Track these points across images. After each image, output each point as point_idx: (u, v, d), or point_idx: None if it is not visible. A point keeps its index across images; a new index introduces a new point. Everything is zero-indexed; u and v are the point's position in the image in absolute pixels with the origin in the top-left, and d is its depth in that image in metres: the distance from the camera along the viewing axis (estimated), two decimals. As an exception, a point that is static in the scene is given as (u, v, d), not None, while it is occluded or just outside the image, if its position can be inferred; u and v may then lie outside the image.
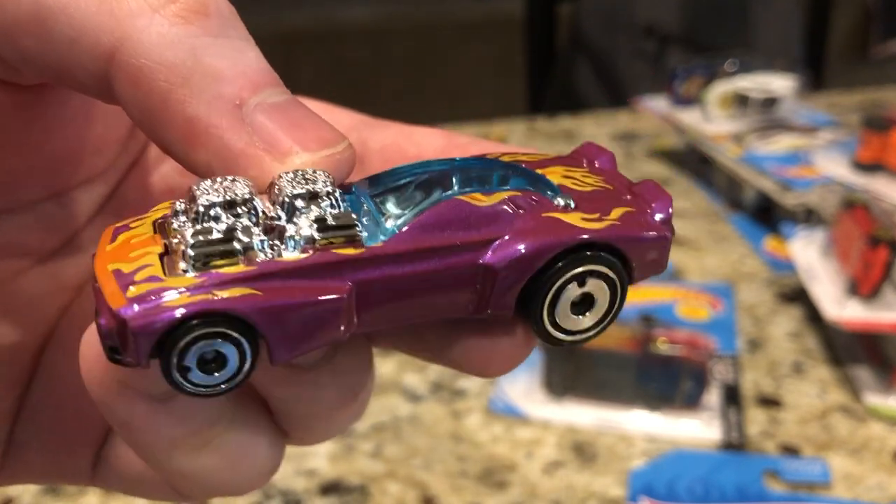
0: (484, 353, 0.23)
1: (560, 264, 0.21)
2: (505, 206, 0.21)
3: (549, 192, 0.22)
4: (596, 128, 1.18)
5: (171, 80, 0.19)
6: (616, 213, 0.22)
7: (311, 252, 0.19)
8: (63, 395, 0.26)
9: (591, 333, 0.23)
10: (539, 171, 0.23)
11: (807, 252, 0.70)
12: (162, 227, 0.20)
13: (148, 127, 0.20)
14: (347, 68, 1.90)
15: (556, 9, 1.67)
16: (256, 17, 0.30)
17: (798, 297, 0.72)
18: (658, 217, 0.23)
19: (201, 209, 0.19)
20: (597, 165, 0.25)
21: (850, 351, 0.64)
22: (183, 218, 0.20)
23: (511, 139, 1.15)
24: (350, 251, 0.20)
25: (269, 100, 0.20)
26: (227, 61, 0.20)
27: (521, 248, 0.21)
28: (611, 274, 0.22)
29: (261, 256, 0.19)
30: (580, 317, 0.22)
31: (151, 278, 0.19)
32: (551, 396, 0.60)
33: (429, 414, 0.60)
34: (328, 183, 0.20)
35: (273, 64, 0.21)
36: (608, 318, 0.23)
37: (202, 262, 0.19)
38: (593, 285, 0.22)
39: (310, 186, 0.19)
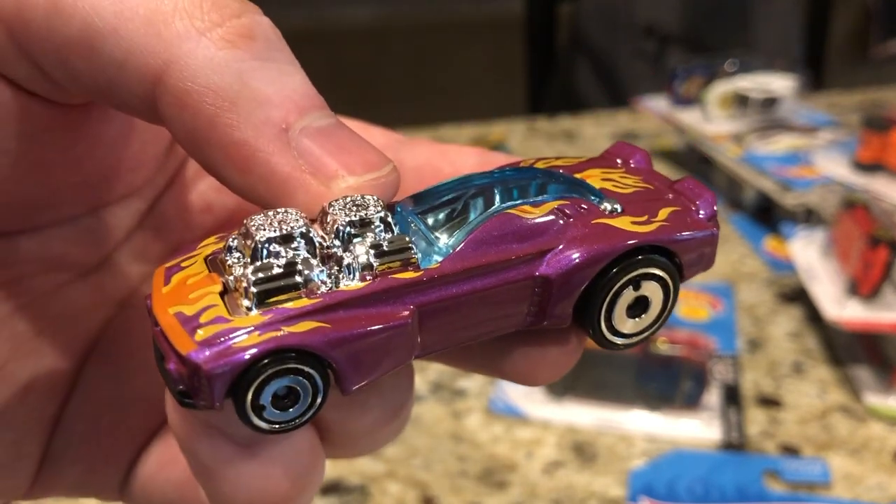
0: (533, 363, 0.23)
1: (615, 270, 0.21)
2: (555, 216, 0.21)
3: (593, 198, 0.22)
4: (596, 128, 1.18)
5: (217, 104, 0.19)
6: (663, 213, 0.22)
7: (369, 279, 0.19)
8: (100, 409, 0.26)
9: (646, 334, 0.23)
10: (577, 176, 0.23)
11: (807, 252, 0.70)
12: (216, 265, 0.20)
13: (193, 149, 0.20)
14: (347, 68, 1.90)
15: (556, 9, 1.67)
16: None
17: (798, 297, 0.72)
18: (703, 214, 0.23)
19: (259, 245, 0.19)
20: (632, 165, 0.25)
21: (850, 351, 0.64)
22: (238, 254, 0.20)
23: (511, 139, 1.15)
24: (409, 275, 0.20)
25: (315, 123, 0.20)
26: (274, 85, 0.20)
27: (576, 257, 0.21)
28: (664, 275, 0.22)
29: (322, 288, 0.19)
30: (636, 319, 0.23)
31: (217, 319, 0.18)
32: (551, 396, 0.60)
33: (429, 414, 0.60)
34: (379, 208, 0.20)
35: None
36: (662, 318, 0.23)
37: (265, 298, 0.19)
38: (647, 287, 0.22)
39: (362, 213, 0.19)
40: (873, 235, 0.60)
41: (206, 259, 0.21)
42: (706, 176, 0.96)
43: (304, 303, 0.19)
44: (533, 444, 0.56)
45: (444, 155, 0.26)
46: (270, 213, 0.19)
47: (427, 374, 0.64)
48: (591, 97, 1.40)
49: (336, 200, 0.20)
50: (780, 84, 0.98)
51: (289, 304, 0.19)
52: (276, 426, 0.19)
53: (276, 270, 0.19)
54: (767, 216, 0.86)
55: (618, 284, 0.22)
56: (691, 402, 0.58)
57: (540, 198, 0.22)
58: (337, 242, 0.19)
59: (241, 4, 0.20)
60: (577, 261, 0.21)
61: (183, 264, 0.21)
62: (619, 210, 0.22)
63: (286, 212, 0.19)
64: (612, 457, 0.55)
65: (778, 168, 0.86)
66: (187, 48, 0.19)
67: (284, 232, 0.19)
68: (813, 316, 0.68)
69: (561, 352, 0.23)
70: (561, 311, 0.22)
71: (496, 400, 0.60)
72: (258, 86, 0.20)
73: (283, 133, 0.20)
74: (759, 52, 1.21)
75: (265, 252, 0.19)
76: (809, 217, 0.78)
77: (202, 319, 0.18)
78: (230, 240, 0.20)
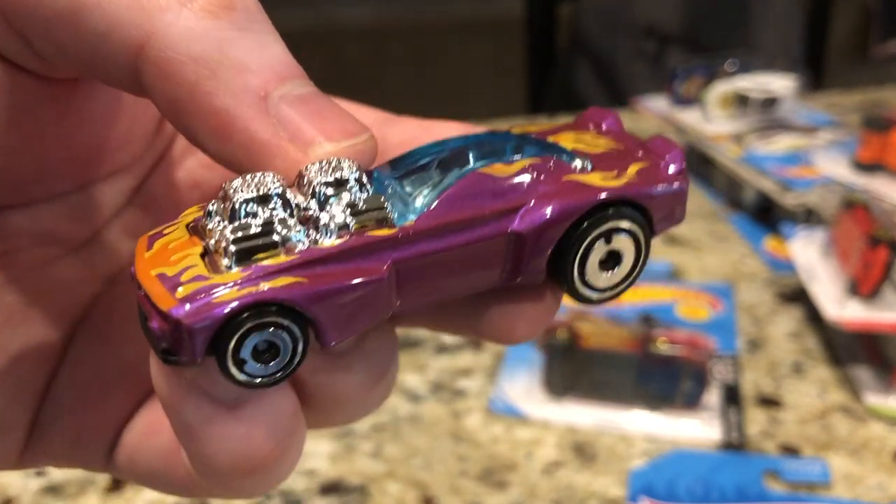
0: (510, 320, 0.24)
1: (586, 224, 0.22)
2: (526, 174, 0.22)
3: (565, 157, 0.23)
4: (596, 128, 1.18)
5: (198, 73, 0.20)
6: (632, 169, 0.23)
7: (346, 237, 0.20)
8: (87, 381, 0.26)
9: (620, 288, 0.24)
10: (550, 139, 0.24)
11: (807, 252, 0.70)
12: (196, 230, 0.21)
13: (176, 118, 0.21)
14: (347, 68, 1.90)
15: (556, 9, 1.67)
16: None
17: (798, 297, 0.72)
18: (672, 169, 0.23)
19: (237, 206, 0.19)
20: (604, 128, 0.26)
21: (850, 351, 0.64)
22: (217, 218, 0.20)
23: (511, 139, 1.15)
24: (384, 232, 0.20)
25: (294, 91, 0.21)
26: (253, 54, 0.20)
27: (547, 212, 0.21)
28: (635, 229, 0.23)
29: (299, 246, 0.20)
30: (608, 273, 0.23)
31: (197, 277, 0.19)
32: (551, 396, 0.60)
33: (429, 414, 0.60)
34: (354, 169, 0.20)
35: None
36: (635, 272, 0.24)
37: (244, 256, 0.19)
38: (619, 241, 0.23)
39: (337, 174, 0.20)
40: (873, 235, 0.60)
41: (187, 226, 0.21)
42: (706, 176, 0.96)
43: (283, 259, 0.19)
44: (533, 444, 0.56)
45: (428, 130, 0.27)
46: (248, 177, 0.20)
47: (427, 373, 0.64)
48: (591, 97, 1.40)
49: (312, 164, 0.20)
50: (780, 84, 0.98)
51: (267, 262, 0.19)
52: (258, 380, 0.20)
53: (254, 229, 0.19)
54: (767, 216, 0.86)
55: (589, 238, 0.22)
56: (691, 402, 0.58)
57: (512, 157, 0.22)
58: (314, 204, 0.20)
59: None
60: (548, 216, 0.21)
61: (165, 231, 0.21)
62: (590, 168, 0.23)
63: (263, 175, 0.20)
64: (612, 457, 0.55)
65: (778, 168, 0.86)
66: (168, 19, 0.20)
67: (261, 193, 0.20)
68: (813, 316, 0.68)
69: (537, 308, 0.24)
70: (535, 266, 0.22)
71: (496, 400, 0.60)
72: (237, 54, 0.20)
73: (262, 101, 0.20)
74: (759, 52, 1.21)
75: (243, 212, 0.19)
76: (809, 217, 0.78)
77: (183, 278, 0.19)
78: (210, 205, 0.20)
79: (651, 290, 0.72)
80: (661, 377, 0.59)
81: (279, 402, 0.22)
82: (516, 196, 0.22)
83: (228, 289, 0.19)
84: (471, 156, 0.22)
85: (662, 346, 0.59)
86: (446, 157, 0.22)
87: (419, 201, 0.21)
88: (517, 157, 0.22)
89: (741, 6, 1.35)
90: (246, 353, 0.19)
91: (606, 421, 0.58)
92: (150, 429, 0.26)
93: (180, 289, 0.19)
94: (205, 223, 0.20)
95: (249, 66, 0.20)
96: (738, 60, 1.01)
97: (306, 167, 0.20)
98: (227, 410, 0.21)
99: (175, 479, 0.25)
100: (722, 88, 0.96)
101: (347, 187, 0.20)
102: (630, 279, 0.24)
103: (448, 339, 0.68)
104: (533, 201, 0.22)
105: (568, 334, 0.59)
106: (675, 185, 0.23)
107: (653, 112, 1.03)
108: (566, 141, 0.24)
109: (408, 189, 0.22)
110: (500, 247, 0.22)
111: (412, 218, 0.21)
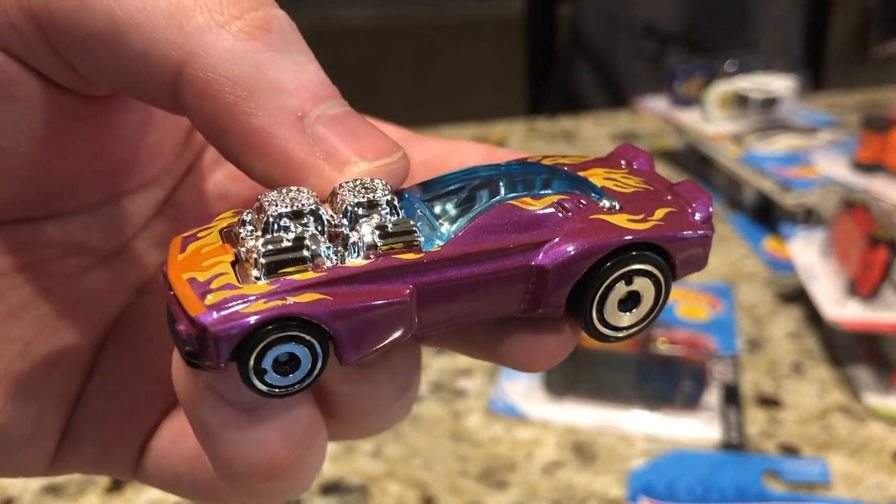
0: (530, 350, 0.24)
1: (608, 264, 0.22)
2: (554, 210, 0.22)
3: (594, 195, 0.23)
4: (596, 128, 1.18)
5: (236, 93, 0.20)
6: (659, 213, 0.23)
7: (373, 258, 0.20)
8: (117, 389, 0.27)
9: (637, 329, 0.24)
10: (581, 174, 0.24)
11: (806, 252, 0.70)
12: (230, 237, 0.21)
13: (213, 137, 0.21)
14: (347, 68, 1.90)
15: (556, 9, 1.67)
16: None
17: (798, 297, 0.72)
18: (699, 216, 0.24)
19: (271, 219, 0.20)
20: (634, 167, 0.26)
21: (849, 351, 0.64)
22: (251, 227, 0.21)
23: (511, 139, 1.15)
24: (410, 256, 0.21)
25: (329, 112, 0.21)
26: (290, 75, 0.21)
27: (572, 249, 0.22)
28: (656, 272, 0.23)
29: (327, 263, 0.20)
30: (627, 313, 0.23)
31: (227, 286, 0.20)
32: (551, 396, 0.60)
33: (429, 414, 0.60)
34: (387, 191, 0.21)
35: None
36: (653, 314, 0.24)
37: (273, 269, 0.20)
38: (639, 283, 0.23)
39: (370, 195, 0.20)
40: (873, 235, 0.60)
41: (221, 231, 0.22)
42: (706, 176, 0.97)
43: (310, 275, 0.20)
44: (533, 444, 0.56)
45: (453, 150, 0.27)
46: (284, 191, 0.20)
47: (427, 373, 0.64)
48: (591, 97, 1.40)
49: (346, 182, 0.21)
50: (780, 84, 0.98)
51: (295, 276, 0.20)
52: (276, 390, 0.20)
53: (286, 244, 0.20)
54: (767, 216, 0.86)
55: (610, 278, 0.23)
56: (691, 402, 0.58)
57: (542, 192, 0.23)
58: (345, 221, 0.20)
59: None
60: (572, 253, 0.22)
61: (199, 234, 0.22)
62: (618, 208, 0.23)
63: (299, 190, 0.20)
64: (612, 457, 0.55)
65: (778, 168, 0.86)
66: (208, 40, 0.20)
67: (295, 208, 0.20)
68: (813, 316, 0.68)
69: (556, 341, 0.24)
70: (555, 300, 0.22)
71: (496, 400, 0.60)
72: (275, 75, 0.21)
73: (299, 120, 0.21)
74: (759, 52, 1.21)
75: (276, 226, 0.20)
76: (809, 217, 0.78)
77: (213, 285, 0.20)
78: (244, 214, 0.21)
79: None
80: (661, 377, 0.59)
81: (295, 410, 0.23)
82: (542, 230, 0.22)
83: (256, 300, 0.19)
84: (501, 186, 0.23)
85: (662, 346, 0.59)
86: (477, 185, 0.23)
87: (446, 227, 0.21)
88: (546, 191, 0.23)
89: (741, 6, 1.35)
90: (267, 363, 0.20)
91: (606, 421, 0.58)
92: (176, 434, 0.26)
93: (210, 296, 0.19)
94: (238, 231, 0.21)
95: (286, 87, 0.21)
96: (737, 60, 1.01)
97: (340, 185, 0.21)
98: (243, 414, 0.22)
99: (200, 484, 0.26)
100: (722, 89, 0.96)
101: (378, 209, 0.21)
102: (647, 321, 0.24)
103: (448, 339, 0.68)
104: (558, 237, 0.22)
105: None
106: (700, 232, 0.23)
107: (653, 112, 1.03)
108: (596, 177, 0.24)
109: (436, 213, 0.22)
110: (523, 279, 0.22)
111: (439, 244, 0.21)
